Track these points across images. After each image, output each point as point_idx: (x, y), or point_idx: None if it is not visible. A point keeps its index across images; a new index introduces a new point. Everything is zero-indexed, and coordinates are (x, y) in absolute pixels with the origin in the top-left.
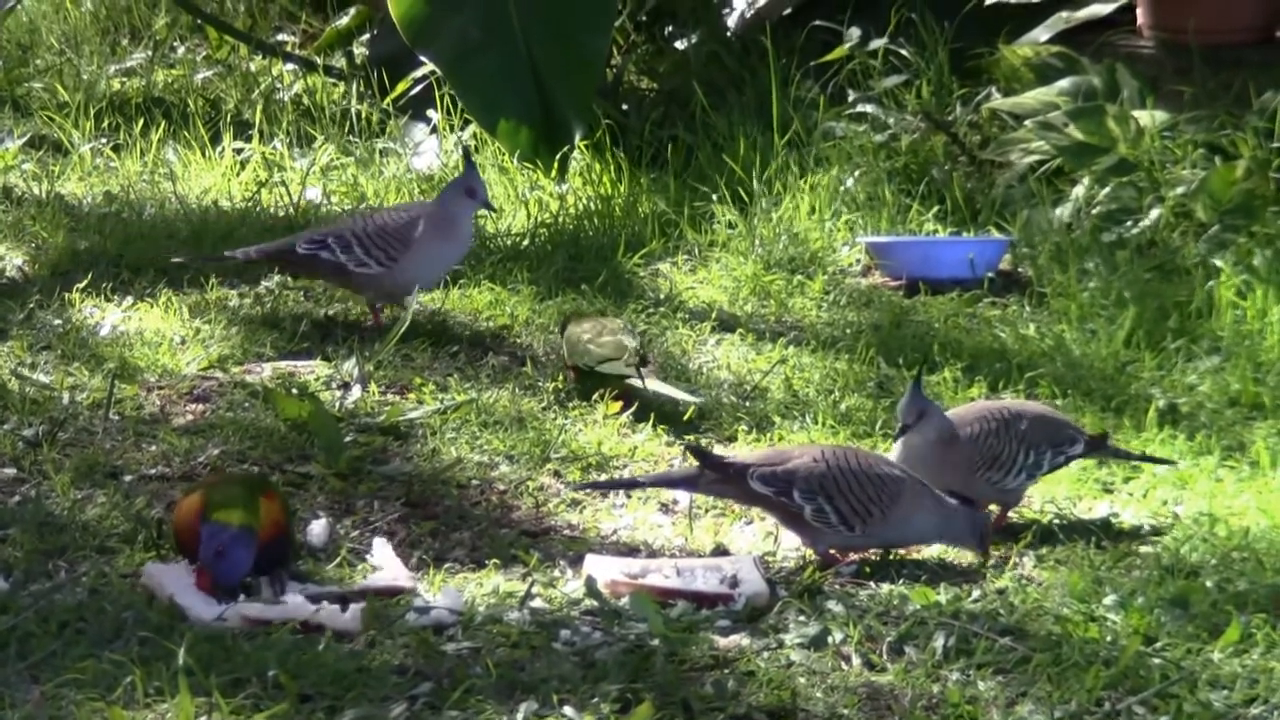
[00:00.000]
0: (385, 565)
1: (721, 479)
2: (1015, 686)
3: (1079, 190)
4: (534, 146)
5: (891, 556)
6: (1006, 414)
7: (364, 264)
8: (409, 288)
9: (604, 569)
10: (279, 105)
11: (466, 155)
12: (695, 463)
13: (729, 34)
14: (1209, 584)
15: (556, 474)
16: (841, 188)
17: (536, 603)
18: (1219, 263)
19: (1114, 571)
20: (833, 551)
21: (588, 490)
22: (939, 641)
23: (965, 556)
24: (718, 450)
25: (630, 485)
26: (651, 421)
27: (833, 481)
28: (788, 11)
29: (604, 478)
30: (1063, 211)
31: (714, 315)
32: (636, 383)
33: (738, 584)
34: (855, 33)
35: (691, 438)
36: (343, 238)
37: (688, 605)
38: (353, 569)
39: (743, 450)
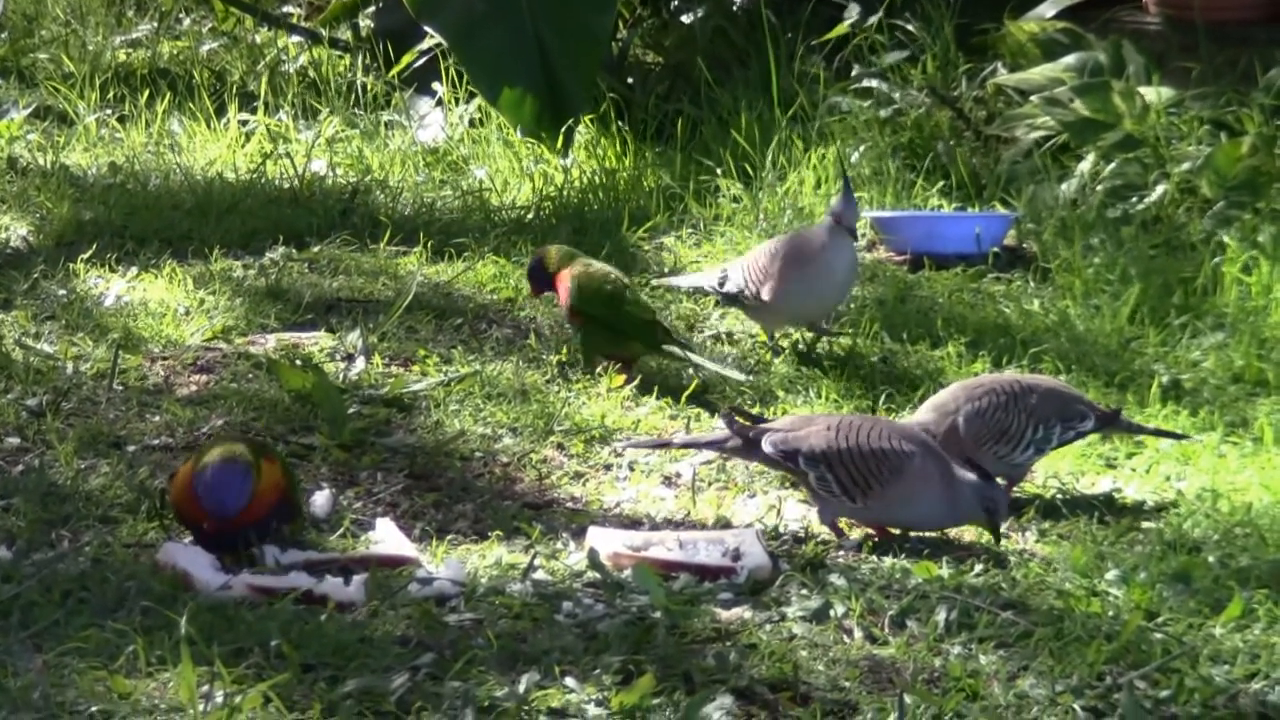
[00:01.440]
0: (389, 540)
1: (743, 443)
2: (1017, 660)
3: (1084, 166)
4: (538, 120)
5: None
6: (1016, 387)
7: (744, 295)
8: (782, 318)
9: (606, 541)
10: (284, 77)
11: (846, 183)
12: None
13: (734, 8)
14: (1211, 559)
15: (560, 446)
16: (846, 162)
17: (539, 575)
18: (1224, 239)
19: (1116, 546)
20: (840, 524)
21: (633, 448)
22: (941, 615)
23: (968, 533)
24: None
25: (664, 445)
26: (655, 394)
27: (836, 451)
28: None
29: (607, 450)
30: (1068, 187)
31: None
32: (687, 355)
33: (740, 557)
34: (855, 9)
35: (694, 412)
36: (724, 272)
37: (690, 578)
38: (355, 540)
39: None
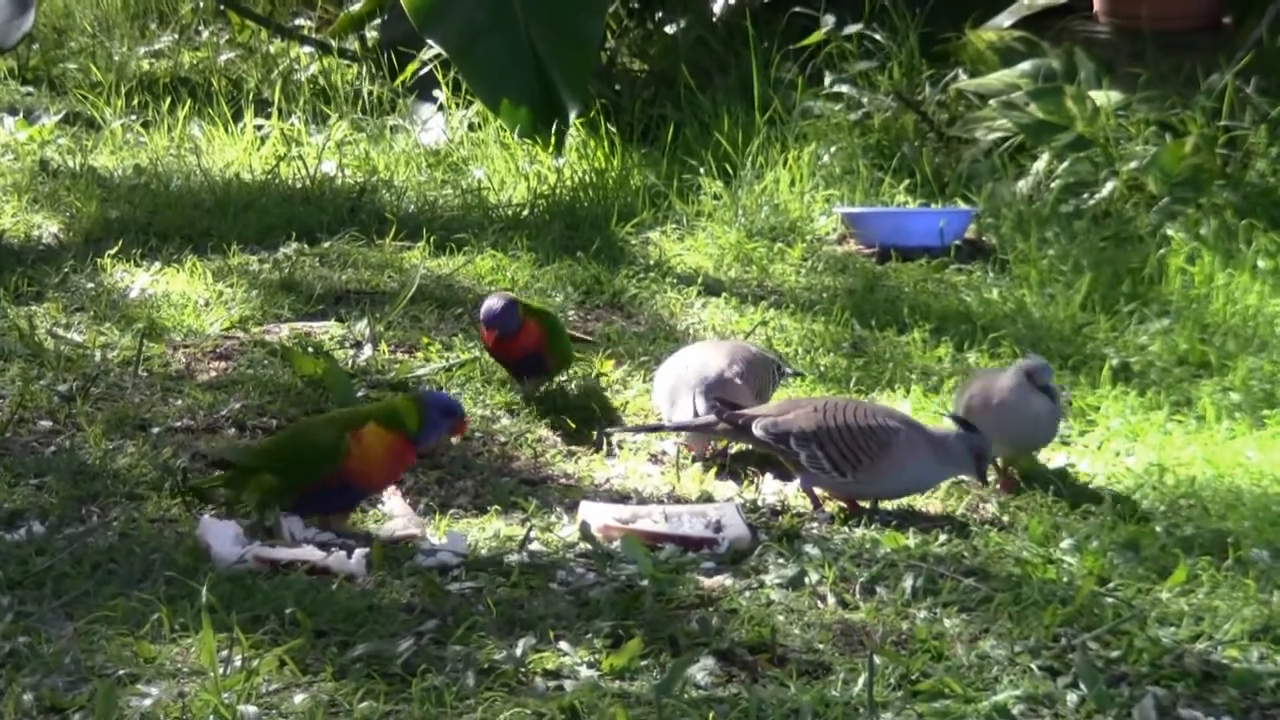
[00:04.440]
0: (397, 512)
1: (733, 428)
2: (979, 623)
3: (1039, 165)
4: (533, 124)
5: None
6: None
7: None
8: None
9: (597, 515)
10: (296, 85)
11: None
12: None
13: (714, 19)
14: (1158, 529)
15: (554, 427)
16: (819, 162)
17: (534, 546)
18: (1169, 232)
19: (1070, 518)
20: (819, 493)
21: (626, 433)
22: (908, 582)
23: (933, 504)
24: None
25: (656, 429)
26: (642, 379)
27: (825, 430)
28: None
29: (595, 433)
30: (1024, 184)
31: (700, 280)
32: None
33: (721, 529)
34: (831, 19)
35: None
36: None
37: (675, 548)
38: (364, 514)
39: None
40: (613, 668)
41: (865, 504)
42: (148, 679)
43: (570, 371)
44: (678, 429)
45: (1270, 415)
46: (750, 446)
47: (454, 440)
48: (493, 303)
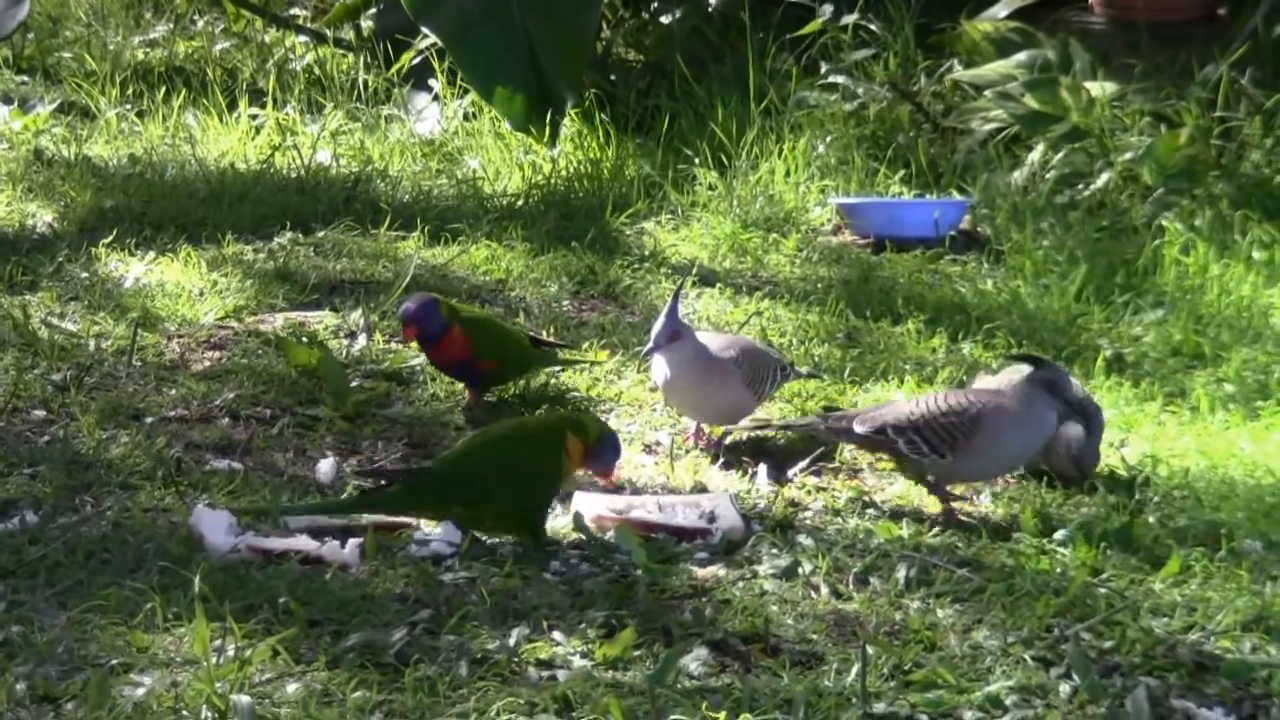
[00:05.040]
0: None
1: (837, 427)
2: (972, 614)
3: (1034, 155)
4: (528, 114)
5: (860, 495)
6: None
7: None
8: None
9: (591, 505)
10: (291, 75)
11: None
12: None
13: (710, 9)
14: (1151, 520)
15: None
16: (814, 153)
17: None
18: (1164, 223)
19: (1064, 508)
20: (951, 491)
21: (741, 431)
22: (901, 572)
23: (924, 497)
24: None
25: (763, 428)
26: (636, 369)
27: (919, 416)
28: None
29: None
30: (1019, 175)
31: (695, 270)
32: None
33: (715, 519)
34: (827, 9)
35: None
36: None
37: (669, 538)
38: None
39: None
40: (606, 658)
41: (978, 486)
42: (141, 668)
43: (564, 356)
44: (784, 428)
45: (1264, 406)
46: (854, 447)
47: (599, 481)
48: (409, 302)
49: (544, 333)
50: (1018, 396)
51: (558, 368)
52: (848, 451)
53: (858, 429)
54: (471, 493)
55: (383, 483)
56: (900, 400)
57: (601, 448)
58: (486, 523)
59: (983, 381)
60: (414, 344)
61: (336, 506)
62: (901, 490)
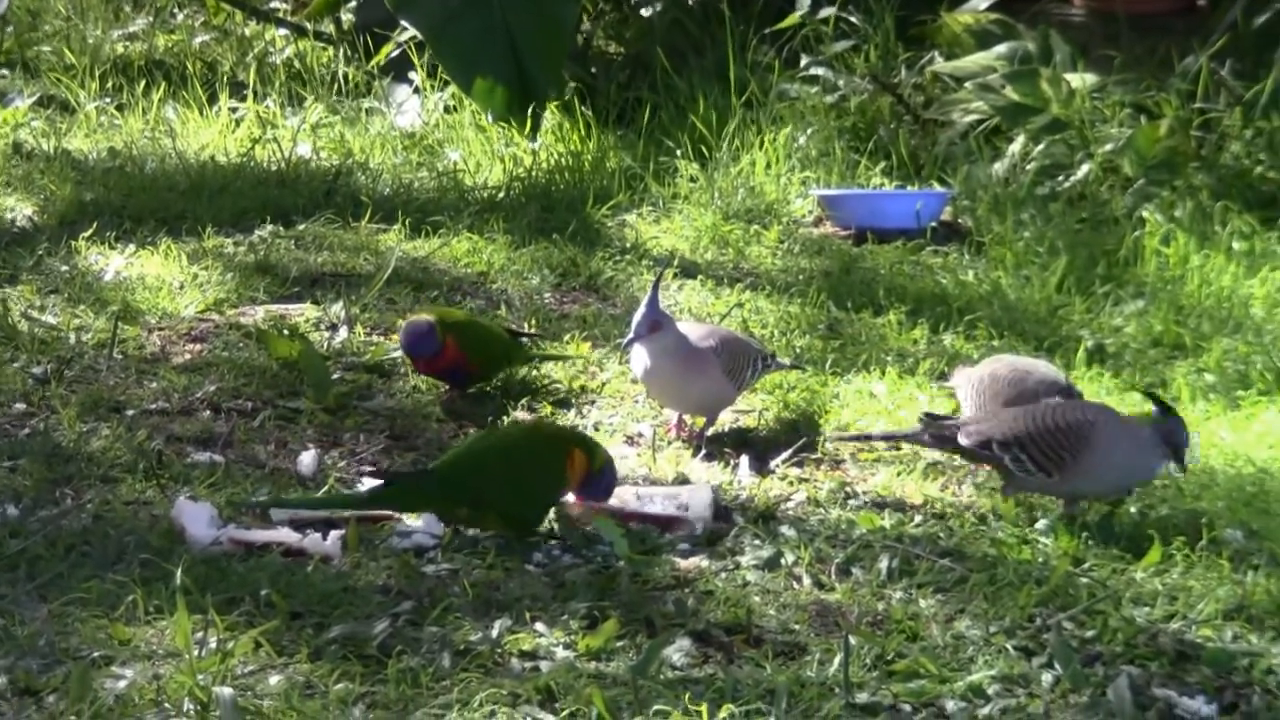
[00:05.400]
0: None
1: (941, 436)
2: (954, 604)
3: (1015, 147)
4: (508, 106)
5: (842, 486)
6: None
7: None
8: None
9: (571, 495)
10: (271, 68)
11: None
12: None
13: (690, 2)
14: (1132, 510)
15: (530, 409)
16: (795, 144)
17: None
18: (1144, 214)
19: (1045, 498)
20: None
21: (837, 440)
22: (883, 563)
23: (906, 487)
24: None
25: (865, 438)
26: (618, 360)
27: (1026, 433)
28: None
29: (573, 413)
30: (1000, 167)
31: (676, 262)
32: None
33: (687, 509)
34: (807, 1)
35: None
36: None
37: (652, 529)
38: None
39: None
40: (589, 649)
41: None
42: (122, 661)
43: (546, 352)
44: (885, 438)
45: (1244, 396)
46: (959, 458)
47: (589, 505)
48: (410, 331)
49: (525, 325)
50: (1136, 428)
51: (536, 360)
52: (829, 443)
53: (963, 441)
54: (473, 496)
55: (384, 482)
56: (1006, 412)
57: (602, 477)
58: (485, 524)
59: (962, 374)
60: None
61: (335, 503)
62: (884, 481)
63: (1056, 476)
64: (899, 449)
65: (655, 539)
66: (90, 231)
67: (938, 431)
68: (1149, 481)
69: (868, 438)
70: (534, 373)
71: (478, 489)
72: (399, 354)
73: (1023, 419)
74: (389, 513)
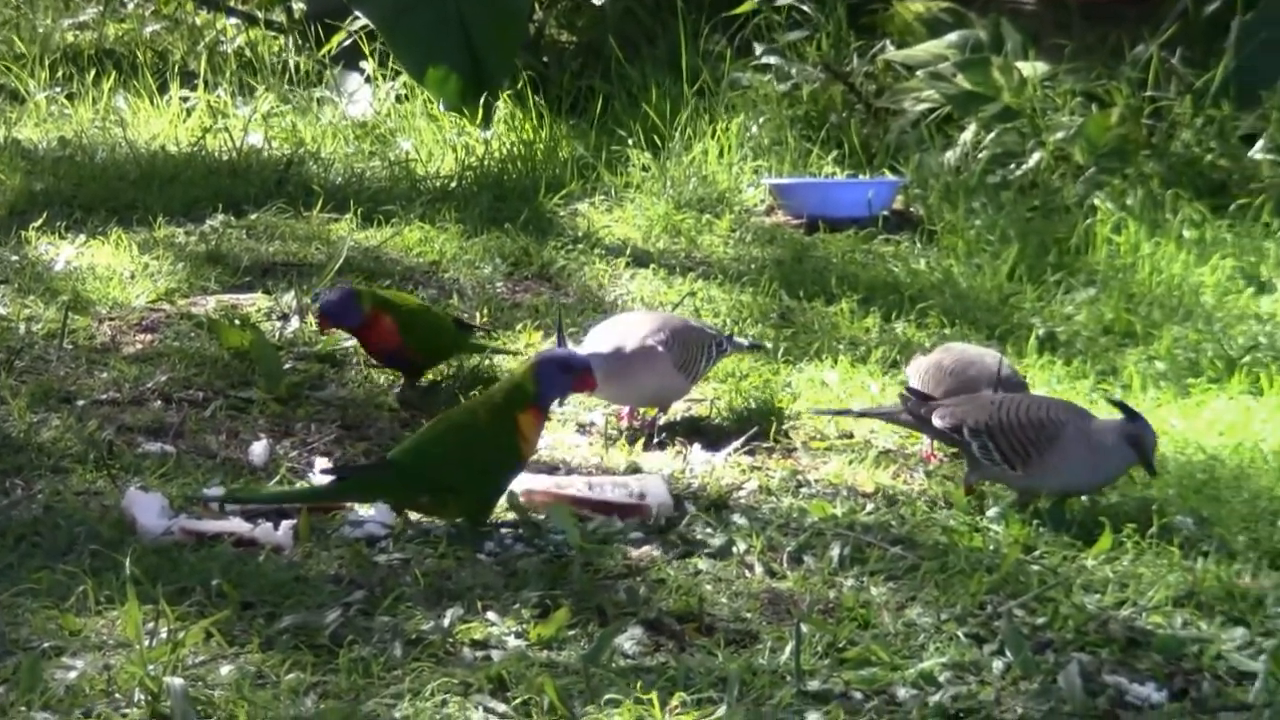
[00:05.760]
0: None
1: (918, 415)
2: (905, 591)
3: (966, 135)
4: (461, 96)
5: (794, 474)
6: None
7: None
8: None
9: (521, 482)
10: (222, 57)
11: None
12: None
13: None
14: (1083, 497)
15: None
16: (747, 133)
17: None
18: (1095, 202)
19: (996, 486)
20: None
21: (817, 414)
22: (835, 551)
23: (858, 475)
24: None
25: (845, 413)
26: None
27: (997, 423)
28: None
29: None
30: (951, 155)
31: (628, 251)
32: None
33: (645, 498)
34: None
35: None
36: None
37: (605, 518)
38: (292, 486)
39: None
40: (540, 637)
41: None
42: (73, 651)
43: (496, 341)
44: (863, 415)
45: (1195, 384)
46: (934, 439)
47: (583, 394)
48: (330, 292)
49: (478, 315)
50: (1102, 430)
51: (485, 352)
52: (810, 418)
53: (937, 422)
54: (433, 485)
55: (341, 477)
56: (981, 397)
57: (544, 389)
58: (445, 512)
59: (915, 362)
60: (333, 331)
61: (294, 496)
62: (835, 469)
63: (1020, 470)
64: (851, 437)
65: (606, 527)
66: (40, 221)
67: (915, 410)
68: (1108, 485)
69: (848, 413)
70: (486, 362)
71: (435, 475)
72: (351, 343)
73: (997, 410)
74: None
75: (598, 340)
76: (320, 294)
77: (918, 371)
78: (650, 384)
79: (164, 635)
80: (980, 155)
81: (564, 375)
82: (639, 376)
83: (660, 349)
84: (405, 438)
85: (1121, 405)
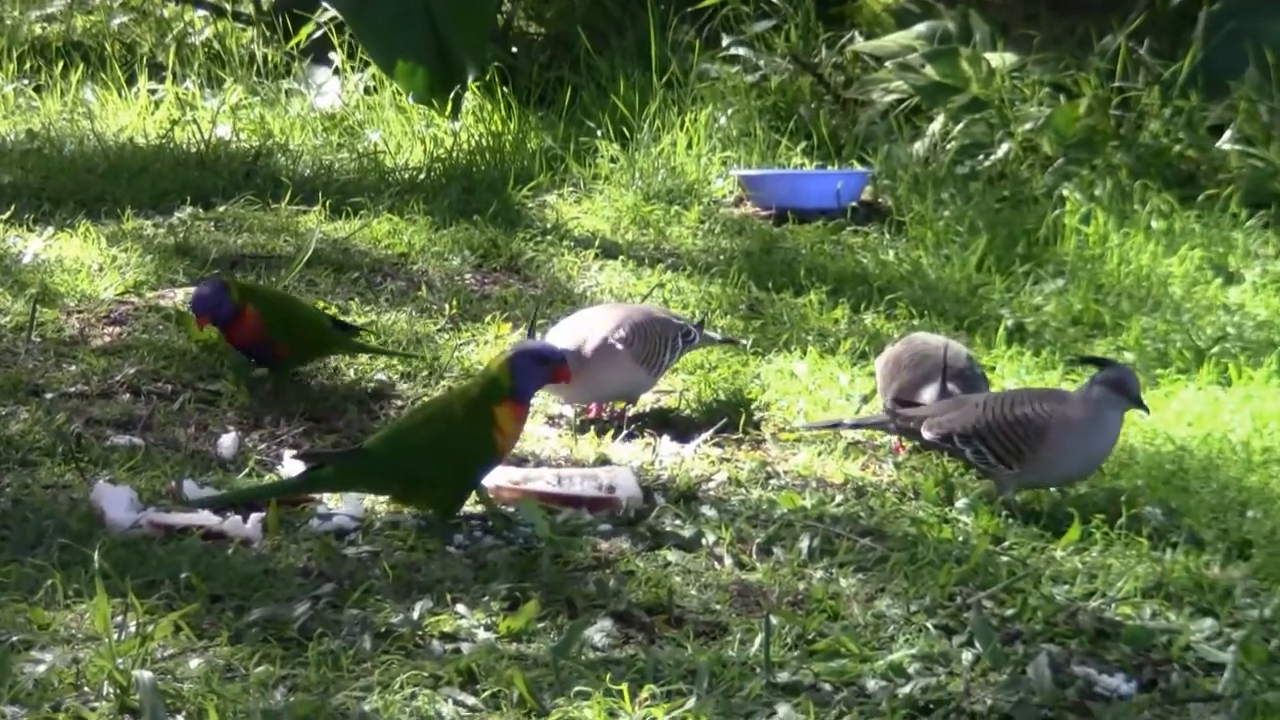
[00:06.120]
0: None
1: (905, 427)
2: (874, 583)
3: (935, 126)
4: (429, 87)
5: (763, 466)
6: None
7: None
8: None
9: (491, 477)
10: (190, 49)
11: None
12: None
13: None
14: (1052, 489)
15: (450, 390)
16: (715, 125)
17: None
18: (1064, 193)
19: (965, 477)
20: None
21: (808, 429)
22: (804, 542)
23: (827, 467)
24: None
25: (835, 425)
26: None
27: (985, 425)
28: None
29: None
30: (920, 146)
31: (597, 243)
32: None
33: (614, 491)
34: None
35: None
36: None
37: (574, 510)
38: (261, 479)
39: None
40: (510, 630)
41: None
42: (41, 645)
43: (464, 334)
44: (854, 426)
45: (1164, 374)
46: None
47: (560, 383)
48: (201, 285)
49: (446, 307)
50: (1083, 402)
51: (367, 355)
52: (802, 434)
53: (926, 435)
54: (406, 475)
55: (316, 465)
56: (968, 400)
57: (520, 381)
58: (417, 502)
59: (882, 354)
60: (210, 327)
61: (269, 490)
62: (805, 461)
63: (1017, 468)
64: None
65: (576, 520)
66: (8, 214)
67: (903, 422)
68: (1115, 441)
69: (838, 425)
70: (457, 353)
71: (409, 466)
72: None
73: (982, 410)
74: (309, 495)
75: (559, 338)
76: (195, 292)
77: (882, 364)
78: (613, 381)
79: (133, 628)
80: (949, 146)
81: (540, 367)
82: (599, 374)
83: (620, 346)
84: (374, 430)
85: (1093, 359)
